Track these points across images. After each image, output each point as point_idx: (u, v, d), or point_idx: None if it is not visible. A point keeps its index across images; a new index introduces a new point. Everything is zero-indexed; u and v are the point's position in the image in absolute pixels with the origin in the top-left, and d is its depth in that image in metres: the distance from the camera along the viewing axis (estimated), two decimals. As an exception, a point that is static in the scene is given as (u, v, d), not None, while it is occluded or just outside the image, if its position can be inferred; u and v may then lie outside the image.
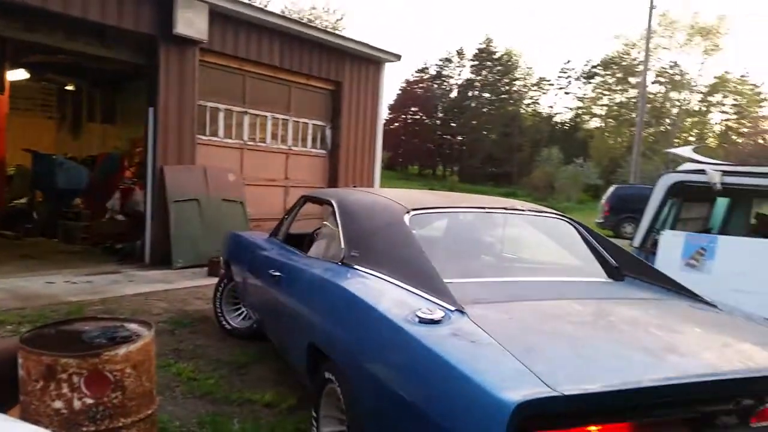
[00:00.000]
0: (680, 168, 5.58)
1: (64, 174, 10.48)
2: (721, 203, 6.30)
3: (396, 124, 54.03)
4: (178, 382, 4.08)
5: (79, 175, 10.83)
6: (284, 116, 10.61)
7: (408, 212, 3.05)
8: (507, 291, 2.72)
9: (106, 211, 10.26)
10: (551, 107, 67.43)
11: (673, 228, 5.53)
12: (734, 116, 48.58)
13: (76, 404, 2.01)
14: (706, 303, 2.82)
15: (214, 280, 7.56)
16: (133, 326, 2.38)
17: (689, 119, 48.27)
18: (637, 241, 5.39)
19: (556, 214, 3.68)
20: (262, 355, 4.73)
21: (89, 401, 2.03)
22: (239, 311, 5.29)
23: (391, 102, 53.94)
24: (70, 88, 13.53)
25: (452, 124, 56.01)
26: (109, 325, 2.38)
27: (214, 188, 8.89)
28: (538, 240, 3.78)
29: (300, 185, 10.66)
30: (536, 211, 3.62)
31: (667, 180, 5.31)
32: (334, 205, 3.54)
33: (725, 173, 4.94)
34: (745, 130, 47.17)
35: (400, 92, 54.87)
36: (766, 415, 1.97)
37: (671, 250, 4.99)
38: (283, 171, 10.67)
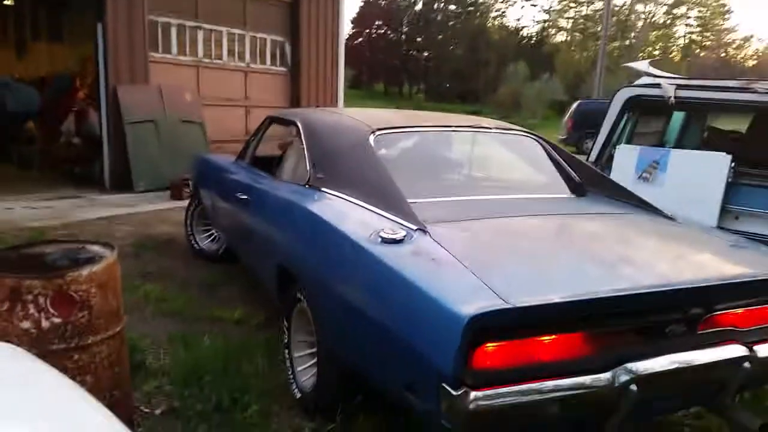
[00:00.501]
0: (636, 82, 5.63)
1: (13, 96, 10.02)
2: (677, 117, 6.43)
3: (359, 39, 52.49)
4: (146, 303, 4.15)
5: (30, 96, 10.35)
6: (240, 31, 10.23)
7: (373, 132, 3.03)
8: (470, 209, 2.76)
9: (60, 135, 9.93)
10: (518, 20, 66.04)
11: (629, 142, 5.64)
12: (698, 29, 48.58)
13: (45, 324, 2.07)
14: (665, 216, 2.90)
15: (177, 204, 7.59)
16: (95, 248, 2.40)
17: (654, 32, 48.09)
18: (593, 155, 5.50)
19: (521, 131, 3.69)
20: (229, 275, 4.81)
21: (57, 320, 2.08)
22: (209, 233, 5.30)
23: (354, 16, 52.14)
24: (8, 2, 12.67)
25: (418, 39, 54.65)
26: (71, 247, 2.40)
27: (170, 108, 8.64)
28: (503, 158, 3.81)
29: (261, 105, 10.41)
30: (502, 129, 3.61)
31: (623, 94, 5.36)
32: (299, 126, 3.51)
33: (679, 87, 5.01)
34: (708, 43, 47.33)
35: (362, 5, 52.94)
36: (713, 323, 2.10)
37: (626, 164, 5.12)
38: (243, 90, 10.40)
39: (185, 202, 7.56)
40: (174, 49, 9.23)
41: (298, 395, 2.83)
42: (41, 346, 2.03)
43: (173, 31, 9.18)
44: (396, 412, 2.57)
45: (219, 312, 4.03)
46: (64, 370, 1.65)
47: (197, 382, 3.02)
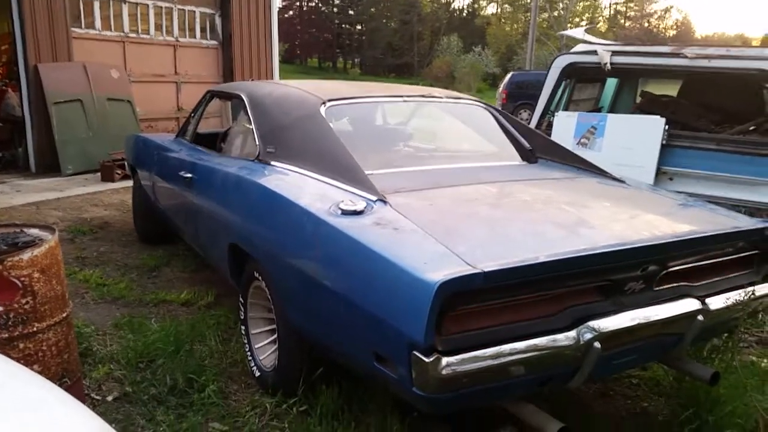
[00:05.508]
0: (574, 49, 5.76)
1: None
2: (611, 83, 6.63)
3: (290, 12, 51.38)
4: (86, 289, 3.97)
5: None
6: (167, 4, 9.75)
7: (324, 103, 2.95)
8: (427, 179, 2.74)
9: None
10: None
11: (566, 109, 5.78)
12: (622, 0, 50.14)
13: (-16, 313, 1.93)
14: (615, 179, 2.98)
15: (109, 186, 7.33)
16: (34, 231, 2.25)
17: (581, 3, 49.31)
18: (533, 123, 5.61)
19: (472, 100, 3.70)
20: (170, 258, 4.66)
21: (-2, 309, 1.95)
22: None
23: (284, -12, 50.82)
24: None
25: (350, 12, 54.02)
26: (8, 231, 2.24)
27: (97, 87, 8.20)
28: (455, 127, 3.79)
29: (193, 80, 10.06)
30: (453, 98, 3.60)
31: (561, 61, 5.47)
32: (245, 99, 3.37)
33: (614, 53, 5.16)
34: (632, 13, 48.98)
35: (292, -23, 51.74)
36: (667, 279, 2.18)
37: (564, 130, 5.25)
38: (172, 65, 9.97)
39: (117, 184, 7.35)
40: (98, 23, 8.74)
41: (257, 373, 2.77)
42: (-18, 337, 1.90)
43: (96, 5, 8.67)
44: (357, 381, 2.57)
45: (164, 295, 3.90)
46: (10, 360, 1.54)
47: (149, 366, 2.93)
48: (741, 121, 4.92)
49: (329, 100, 3.00)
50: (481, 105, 3.63)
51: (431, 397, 1.75)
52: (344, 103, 3.13)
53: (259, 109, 3.23)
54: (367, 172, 2.45)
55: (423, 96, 3.51)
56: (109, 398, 2.66)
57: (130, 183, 5.40)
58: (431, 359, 1.69)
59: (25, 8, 7.48)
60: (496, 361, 1.77)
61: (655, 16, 53.54)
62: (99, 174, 7.70)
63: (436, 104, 3.59)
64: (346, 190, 2.39)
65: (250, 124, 3.20)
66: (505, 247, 2.00)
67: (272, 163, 2.90)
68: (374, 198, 2.27)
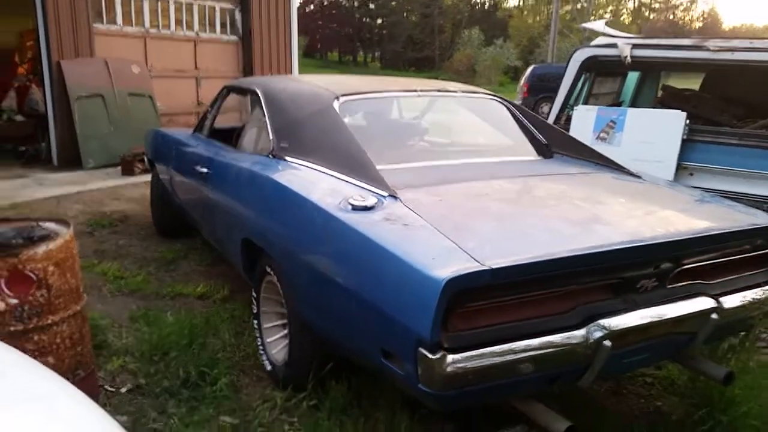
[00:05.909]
0: (593, 42, 5.67)
1: (-54, 73, 9.48)
2: (632, 77, 6.52)
3: (311, 6, 51.42)
4: (104, 281, 4.03)
5: (-36, 73, 9.82)
6: (188, -1, 9.85)
7: (337, 98, 2.95)
8: (439, 174, 2.73)
9: (1, 113, 9.46)
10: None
11: (586, 103, 5.70)
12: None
13: (0, 305, 1.97)
14: (632, 174, 2.94)
15: (129, 180, 7.42)
16: (50, 225, 2.28)
17: (604, -5, 48.60)
18: (551, 117, 5.54)
19: (487, 94, 3.67)
20: (188, 251, 4.70)
21: (13, 301, 1.98)
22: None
23: (304, -18, 50.92)
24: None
25: (371, 6, 53.88)
26: (24, 225, 2.27)
27: (118, 82, 8.31)
28: (469, 122, 3.77)
29: (213, 75, 10.11)
30: (468, 93, 3.58)
31: (580, 55, 5.39)
32: (260, 94, 3.38)
33: (635, 46, 5.08)
34: (657, 5, 48.14)
35: (313, -29, 51.74)
36: (681, 277, 2.15)
37: (584, 125, 5.18)
38: (192, 60, 10.05)
39: (137, 179, 7.45)
40: (119, 19, 8.84)
41: (269, 367, 2.79)
42: (-1, 329, 1.94)
43: (117, 1, 8.78)
44: (366, 377, 2.57)
45: (180, 288, 3.95)
46: (24, 352, 1.57)
47: (162, 358, 2.95)
48: (764, 116, 4.81)
49: (342, 95, 2.99)
50: (497, 99, 3.59)
51: (437, 393, 1.75)
52: (358, 98, 3.12)
53: (273, 105, 3.24)
54: (379, 168, 2.44)
55: (438, 90, 3.49)
56: (123, 390, 2.70)
57: (149, 177, 5.48)
58: (437, 356, 1.69)
59: (48, 5, 7.59)
60: (503, 359, 1.76)
61: (681, 8, 52.67)
62: (120, 168, 7.80)
63: (451, 99, 3.57)
64: (357, 186, 2.39)
65: (265, 119, 3.21)
66: (514, 243, 1.98)
67: (286, 158, 2.91)
68: (385, 193, 2.26)
